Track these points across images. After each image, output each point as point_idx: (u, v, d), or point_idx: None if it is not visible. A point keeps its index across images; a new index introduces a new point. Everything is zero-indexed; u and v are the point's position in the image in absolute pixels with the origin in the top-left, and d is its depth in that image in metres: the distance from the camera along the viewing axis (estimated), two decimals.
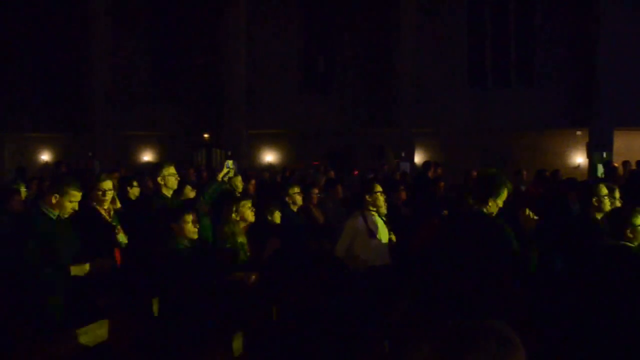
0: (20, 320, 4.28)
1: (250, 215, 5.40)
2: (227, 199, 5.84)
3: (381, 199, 5.57)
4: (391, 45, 17.38)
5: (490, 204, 4.09)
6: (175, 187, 5.98)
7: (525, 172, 11.14)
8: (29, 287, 4.23)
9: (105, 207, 5.37)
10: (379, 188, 5.60)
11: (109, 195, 5.37)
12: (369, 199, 5.50)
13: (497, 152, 17.68)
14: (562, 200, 7.31)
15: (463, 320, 1.14)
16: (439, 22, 17.62)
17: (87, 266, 4.37)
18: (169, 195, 5.81)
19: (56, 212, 4.38)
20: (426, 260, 6.19)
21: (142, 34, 19.92)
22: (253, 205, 5.57)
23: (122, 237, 5.40)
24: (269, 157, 19.94)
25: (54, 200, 4.36)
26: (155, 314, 4.74)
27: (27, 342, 4.09)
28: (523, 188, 10.73)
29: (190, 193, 7.23)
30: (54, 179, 5.27)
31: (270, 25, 18.70)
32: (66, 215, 4.43)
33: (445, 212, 7.39)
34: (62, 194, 4.36)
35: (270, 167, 18.11)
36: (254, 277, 4.90)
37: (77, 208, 4.47)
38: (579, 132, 17.46)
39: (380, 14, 17.78)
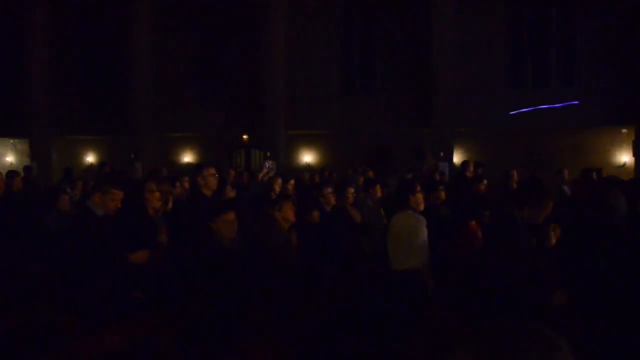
0: (68, 313, 4.42)
1: (291, 215, 5.47)
2: (265, 199, 5.93)
3: (420, 198, 5.67)
4: (430, 45, 17.23)
5: (526, 210, 3.92)
6: (215, 187, 6.09)
7: (566, 172, 10.90)
8: (76, 281, 4.38)
9: (157, 206, 5.51)
10: (419, 188, 5.73)
11: (156, 195, 5.51)
12: (412, 199, 5.60)
13: (539, 151, 17.36)
14: (603, 199, 7.14)
15: (503, 322, 1.12)
16: (478, 21, 17.40)
17: (142, 254, 4.53)
18: (209, 195, 5.91)
19: (102, 210, 4.54)
20: (465, 263, 6.14)
21: (183, 38, 20.27)
22: (293, 205, 5.65)
23: (163, 237, 5.52)
24: (307, 157, 20.02)
25: (97, 199, 4.53)
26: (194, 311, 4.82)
27: (75, 335, 4.22)
28: (565, 188, 10.53)
29: (230, 193, 7.34)
30: (98, 180, 5.44)
31: (310, 26, 18.78)
32: (110, 213, 4.58)
33: (487, 213, 7.30)
34: (105, 192, 4.53)
35: (308, 167, 18.18)
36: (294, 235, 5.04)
37: (119, 206, 4.62)
38: (624, 130, 17.00)
39: (419, 15, 17.66)
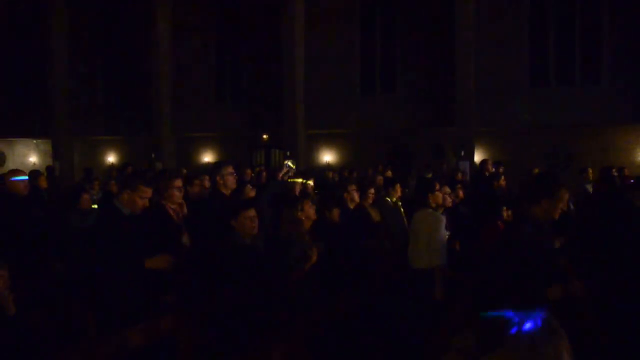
0: (92, 312, 4.45)
1: (313, 213, 5.47)
2: (286, 198, 5.91)
3: (440, 196, 5.68)
4: (451, 43, 17.07)
5: (545, 202, 3.71)
6: (234, 186, 6.08)
7: (591, 171, 10.77)
8: (101, 280, 4.40)
9: (176, 205, 5.51)
10: (439, 186, 5.72)
11: (181, 193, 5.52)
12: (432, 197, 5.59)
13: (562, 150, 17.14)
14: (627, 200, 7.02)
15: (507, 309, 1.12)
16: (501, 18, 17.22)
17: (160, 258, 4.52)
18: (228, 194, 5.90)
19: (128, 209, 4.52)
20: (487, 262, 6.08)
21: (203, 38, 20.39)
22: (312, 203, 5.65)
23: (186, 239, 5.54)
24: (327, 157, 20.00)
25: (125, 197, 4.51)
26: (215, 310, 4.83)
27: (97, 332, 4.25)
28: (588, 187, 10.39)
29: (251, 192, 7.34)
30: (124, 178, 5.45)
31: (329, 25, 18.76)
32: (137, 212, 4.57)
33: (508, 212, 7.22)
34: (134, 190, 4.50)
35: (328, 167, 18.16)
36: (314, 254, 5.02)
37: (147, 204, 4.61)
38: None
39: (441, 13, 17.54)
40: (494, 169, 10.70)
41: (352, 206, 6.83)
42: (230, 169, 5.95)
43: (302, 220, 5.34)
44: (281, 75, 18.71)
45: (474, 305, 4.43)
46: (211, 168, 6.58)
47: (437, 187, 5.71)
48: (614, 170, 10.48)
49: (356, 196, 6.90)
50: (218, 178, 5.86)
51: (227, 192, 5.89)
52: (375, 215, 7.05)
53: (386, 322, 5.03)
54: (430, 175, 11.07)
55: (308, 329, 4.50)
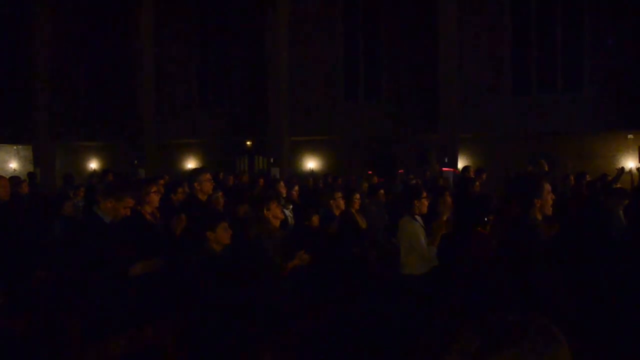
0: (75, 320, 4.40)
1: (279, 212, 5.47)
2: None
3: (426, 204, 5.69)
4: (435, 50, 17.22)
5: (540, 202, 3.85)
6: (211, 192, 6.15)
7: (572, 177, 10.89)
8: (84, 288, 4.36)
9: (150, 210, 5.49)
10: (425, 194, 5.74)
11: (157, 197, 5.53)
12: (417, 204, 5.61)
13: (544, 157, 17.31)
14: (603, 205, 7.12)
15: (509, 314, 1.14)
16: (483, 25, 17.40)
17: (143, 265, 4.51)
18: (204, 200, 5.94)
19: (109, 217, 4.53)
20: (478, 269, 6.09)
21: (186, 45, 20.32)
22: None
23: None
24: (311, 164, 20.01)
25: (109, 206, 4.52)
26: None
27: (80, 341, 4.20)
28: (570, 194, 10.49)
29: (220, 199, 7.27)
30: (108, 186, 5.45)
31: (313, 32, 18.80)
32: (117, 220, 4.58)
33: (491, 217, 7.24)
34: (119, 200, 4.52)
35: (311, 173, 18.16)
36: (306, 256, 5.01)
37: (129, 214, 4.63)
38: (630, 136, 16.95)
39: (425, 20, 17.67)
40: (475, 176, 10.74)
41: (337, 213, 6.82)
42: (208, 176, 6.01)
43: (269, 219, 5.34)
44: (265, 82, 18.71)
45: (474, 308, 4.45)
46: (189, 174, 6.61)
47: (425, 194, 5.72)
48: (587, 176, 10.61)
49: (342, 203, 6.91)
50: (196, 184, 5.90)
51: (203, 198, 5.94)
52: (361, 222, 7.06)
53: (369, 328, 5.03)
54: (414, 182, 11.10)
55: (295, 336, 4.48)
